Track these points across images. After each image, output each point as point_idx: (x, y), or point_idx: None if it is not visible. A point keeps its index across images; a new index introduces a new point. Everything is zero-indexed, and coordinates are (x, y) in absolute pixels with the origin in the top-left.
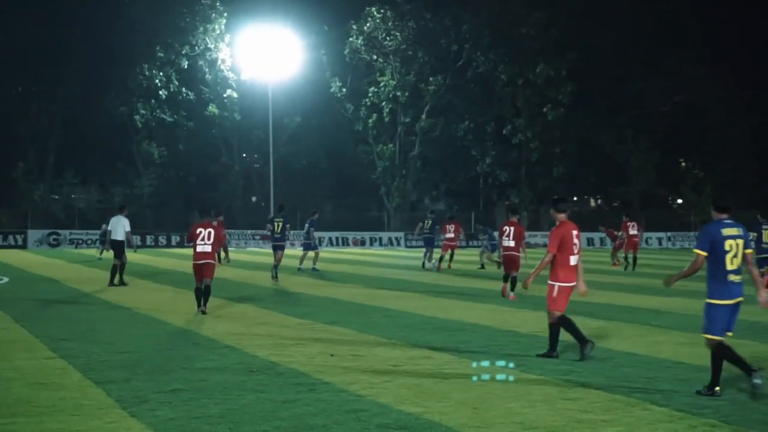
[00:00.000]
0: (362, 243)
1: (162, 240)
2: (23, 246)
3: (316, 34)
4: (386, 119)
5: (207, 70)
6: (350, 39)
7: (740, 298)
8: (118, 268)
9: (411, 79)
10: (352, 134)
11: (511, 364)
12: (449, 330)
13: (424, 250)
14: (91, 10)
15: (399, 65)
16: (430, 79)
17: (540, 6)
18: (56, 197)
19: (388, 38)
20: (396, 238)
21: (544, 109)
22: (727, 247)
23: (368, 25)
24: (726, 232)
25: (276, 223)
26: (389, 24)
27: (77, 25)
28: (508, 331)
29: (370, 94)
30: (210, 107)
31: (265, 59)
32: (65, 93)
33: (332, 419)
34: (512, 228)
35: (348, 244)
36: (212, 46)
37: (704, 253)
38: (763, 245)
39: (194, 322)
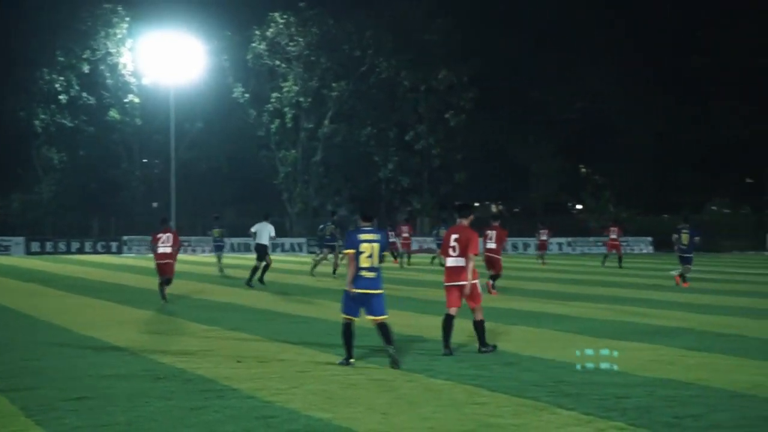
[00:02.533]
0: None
1: (62, 246)
2: None
3: (219, 40)
4: (289, 125)
5: (108, 74)
6: (253, 44)
7: (371, 290)
8: (261, 269)
9: (314, 85)
10: (255, 140)
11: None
12: (356, 336)
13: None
14: None
15: (302, 71)
16: (333, 84)
17: (443, 13)
18: None
19: (291, 44)
20: (298, 244)
21: (447, 116)
22: (362, 249)
23: (271, 30)
24: (363, 237)
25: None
26: (292, 29)
27: None
28: (414, 336)
29: (272, 100)
30: (111, 112)
31: (167, 64)
32: None
33: (241, 426)
34: (494, 232)
35: (250, 250)
36: (114, 51)
37: (352, 251)
38: (682, 246)
39: (98, 329)
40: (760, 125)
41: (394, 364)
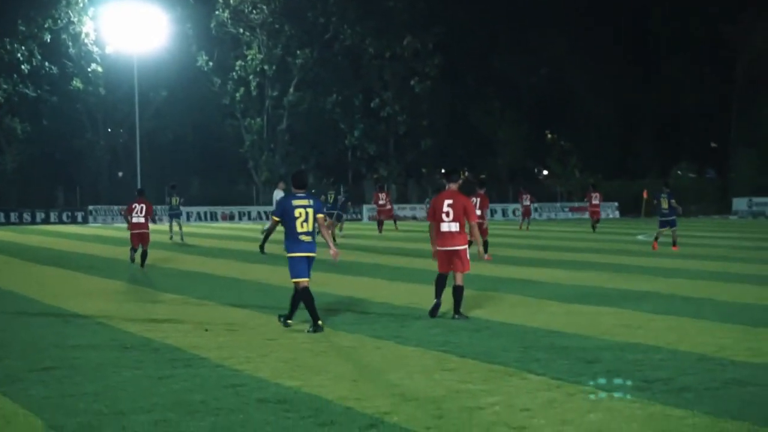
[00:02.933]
0: (231, 218)
1: (26, 217)
2: None
3: (182, 7)
4: (254, 93)
5: (71, 44)
6: (216, 12)
7: (311, 253)
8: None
9: (278, 53)
10: (220, 108)
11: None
12: (324, 304)
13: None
14: None
15: (266, 39)
16: (298, 52)
17: None
18: None
19: (254, 11)
20: (265, 212)
21: (412, 82)
22: (296, 214)
23: None
24: (296, 202)
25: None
26: None
27: None
28: (383, 303)
29: (237, 68)
30: (74, 82)
31: (130, 33)
32: None
33: (211, 395)
34: (478, 199)
35: (217, 219)
36: (75, 20)
37: (277, 219)
38: (663, 210)
39: (64, 299)
40: (723, 90)
41: (319, 328)
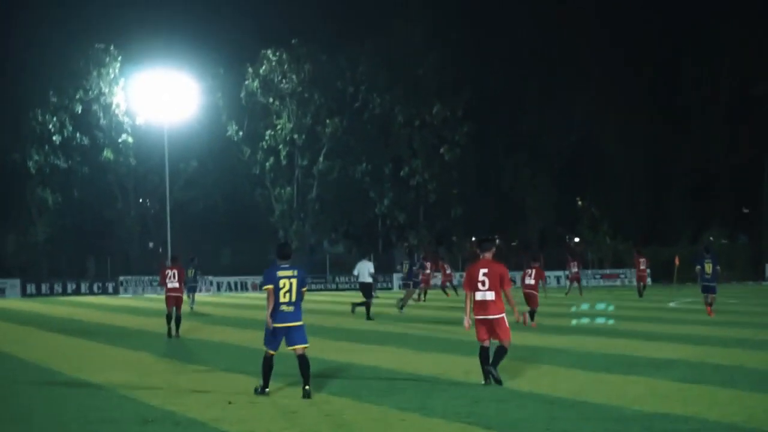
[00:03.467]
0: (261, 287)
1: (57, 288)
2: None
3: (212, 78)
4: (283, 162)
5: (101, 114)
6: (246, 82)
7: (292, 323)
8: (368, 306)
9: (308, 122)
10: (249, 178)
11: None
12: (348, 373)
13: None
14: None
15: (295, 107)
16: (327, 121)
17: (435, 46)
18: None
19: (284, 81)
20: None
21: (441, 150)
22: (281, 285)
23: (264, 67)
24: (281, 273)
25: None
26: (285, 66)
27: None
28: (409, 373)
29: (266, 137)
30: (105, 152)
31: (160, 103)
32: None
33: None
34: (534, 270)
35: (247, 289)
36: (106, 91)
37: (270, 287)
38: (706, 275)
39: (88, 371)
40: (755, 152)
41: (308, 394)
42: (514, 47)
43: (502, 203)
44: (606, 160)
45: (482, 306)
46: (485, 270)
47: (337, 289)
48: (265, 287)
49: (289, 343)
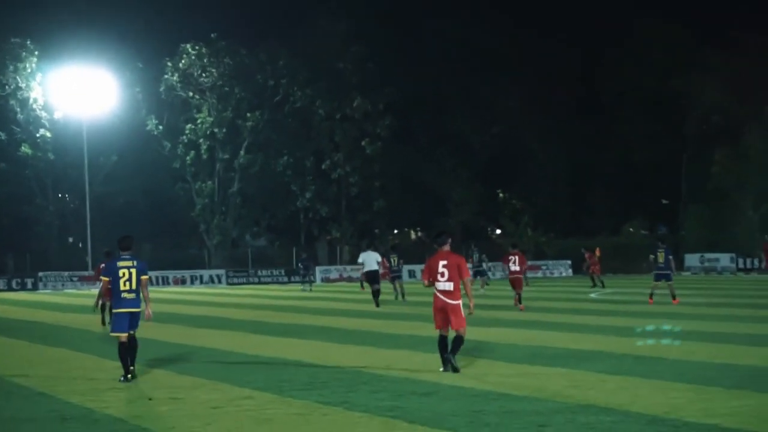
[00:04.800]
0: (183, 282)
1: None
2: None
3: (131, 72)
4: (204, 156)
5: (18, 109)
6: (165, 76)
7: (133, 309)
8: (376, 293)
9: (228, 116)
10: (170, 172)
11: None
12: (271, 368)
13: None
14: None
15: (216, 101)
16: (248, 114)
17: (356, 41)
18: None
19: (203, 75)
20: (217, 276)
21: (363, 143)
22: (120, 274)
23: (183, 62)
24: (120, 264)
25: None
26: (204, 60)
27: None
28: (331, 367)
29: (187, 131)
30: (23, 147)
31: (78, 98)
32: None
33: None
34: (517, 257)
35: (168, 283)
36: (23, 85)
37: (107, 279)
38: (659, 264)
39: (5, 368)
40: (672, 146)
41: (132, 375)
42: (436, 42)
43: (425, 196)
44: (528, 153)
45: (441, 296)
46: (444, 262)
47: (259, 283)
48: (102, 277)
49: (129, 327)
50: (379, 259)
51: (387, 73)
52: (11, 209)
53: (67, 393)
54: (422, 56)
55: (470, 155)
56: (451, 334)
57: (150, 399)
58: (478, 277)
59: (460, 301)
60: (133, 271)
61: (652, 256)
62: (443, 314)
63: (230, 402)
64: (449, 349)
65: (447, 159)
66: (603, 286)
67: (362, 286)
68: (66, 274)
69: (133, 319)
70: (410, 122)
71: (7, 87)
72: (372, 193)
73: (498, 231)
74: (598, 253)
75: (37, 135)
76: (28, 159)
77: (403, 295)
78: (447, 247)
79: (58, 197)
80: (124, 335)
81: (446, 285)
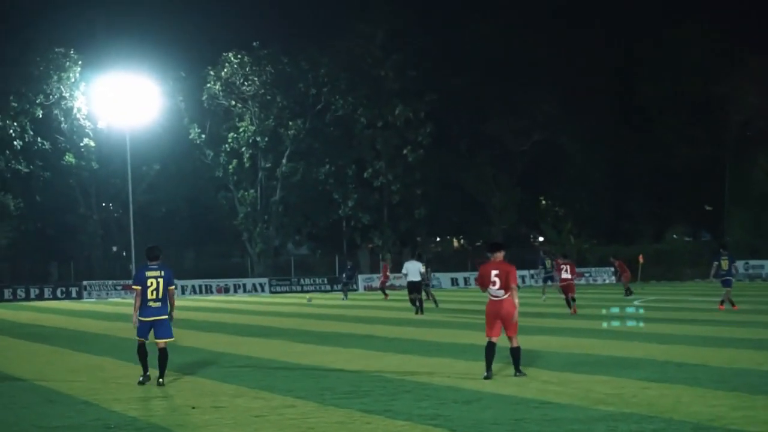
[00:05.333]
0: (226, 290)
1: (20, 293)
2: None
3: (174, 81)
4: (246, 165)
5: (62, 119)
6: (208, 85)
7: (157, 317)
8: (417, 300)
9: (270, 124)
10: (213, 180)
11: None
12: (314, 377)
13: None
14: None
15: (258, 110)
16: (290, 123)
17: (397, 48)
18: None
19: (245, 83)
20: (260, 284)
21: (404, 151)
22: (148, 283)
23: (225, 70)
24: (149, 273)
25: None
26: (246, 69)
27: None
28: (374, 375)
29: (229, 140)
30: (66, 156)
31: (122, 107)
32: None
33: None
34: (568, 266)
35: (212, 292)
36: (67, 95)
37: (138, 287)
38: (722, 271)
39: (50, 377)
40: (714, 151)
41: (160, 383)
42: (475, 49)
43: (466, 203)
44: (568, 160)
45: (494, 303)
46: (496, 271)
47: (302, 291)
48: (134, 287)
49: (156, 336)
50: (422, 269)
51: (427, 80)
52: (55, 218)
53: (111, 401)
54: (462, 63)
55: (510, 162)
56: (502, 343)
57: (193, 407)
58: (549, 282)
59: (514, 311)
60: (161, 280)
61: (716, 263)
62: (496, 321)
63: (273, 410)
64: (514, 365)
65: (487, 166)
66: (630, 294)
67: (385, 294)
68: (110, 282)
69: (160, 327)
70: (450, 129)
71: (51, 97)
72: (413, 201)
73: (540, 238)
74: (641, 260)
75: (81, 144)
76: (71, 168)
77: (435, 303)
78: (500, 256)
79: (102, 206)
80: (142, 340)
81: (499, 292)
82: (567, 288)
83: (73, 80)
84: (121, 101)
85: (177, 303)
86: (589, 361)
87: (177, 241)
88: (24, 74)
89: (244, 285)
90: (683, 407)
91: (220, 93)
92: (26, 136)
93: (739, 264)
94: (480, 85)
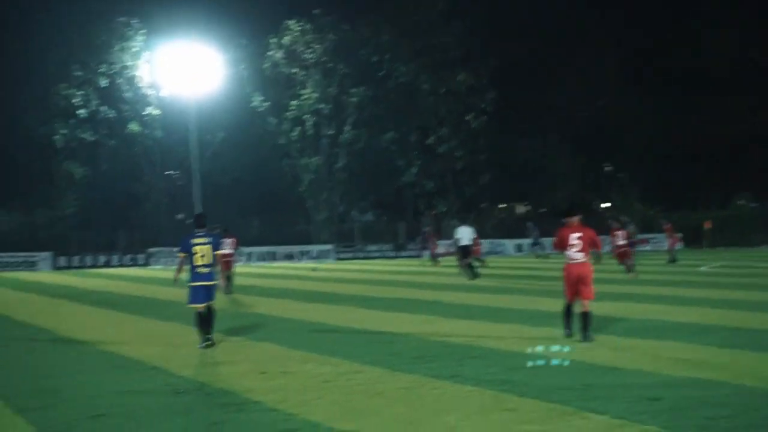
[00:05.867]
0: (290, 257)
1: (88, 260)
2: None
3: (236, 49)
4: (309, 132)
5: (126, 87)
6: (270, 53)
7: (207, 282)
8: (466, 264)
9: (333, 91)
10: (276, 148)
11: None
12: (381, 342)
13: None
14: (1, 28)
15: (320, 78)
16: (352, 90)
17: (459, 14)
18: None
19: (307, 51)
20: (325, 251)
21: (467, 118)
22: (196, 250)
23: (287, 38)
24: (195, 241)
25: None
26: (308, 37)
27: None
28: (441, 341)
29: (292, 108)
30: (131, 125)
31: (185, 75)
32: None
33: None
34: (622, 232)
35: (276, 259)
36: (131, 64)
37: (183, 254)
38: None
39: (120, 343)
40: None
41: (211, 343)
42: (538, 14)
43: (529, 169)
44: (632, 125)
45: (573, 266)
46: (578, 234)
47: (366, 258)
48: (180, 254)
49: (205, 299)
50: (474, 234)
51: (489, 47)
52: (121, 186)
53: (180, 367)
54: (524, 28)
55: (574, 128)
56: (578, 308)
57: (262, 373)
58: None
59: (590, 274)
60: (208, 247)
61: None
62: (575, 284)
63: (340, 376)
64: (583, 330)
65: (551, 132)
66: (673, 262)
67: (435, 262)
68: (175, 249)
69: (209, 292)
70: (513, 95)
71: (114, 66)
72: (477, 167)
73: (604, 205)
74: (709, 225)
75: (145, 113)
76: (136, 136)
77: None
78: (577, 220)
79: (166, 174)
80: (200, 306)
81: (578, 255)
82: (623, 255)
83: (136, 49)
84: (184, 70)
85: (242, 270)
86: (657, 326)
87: (242, 209)
88: (88, 44)
89: (309, 252)
90: (754, 372)
91: (282, 61)
92: (91, 105)
93: None
94: (543, 50)
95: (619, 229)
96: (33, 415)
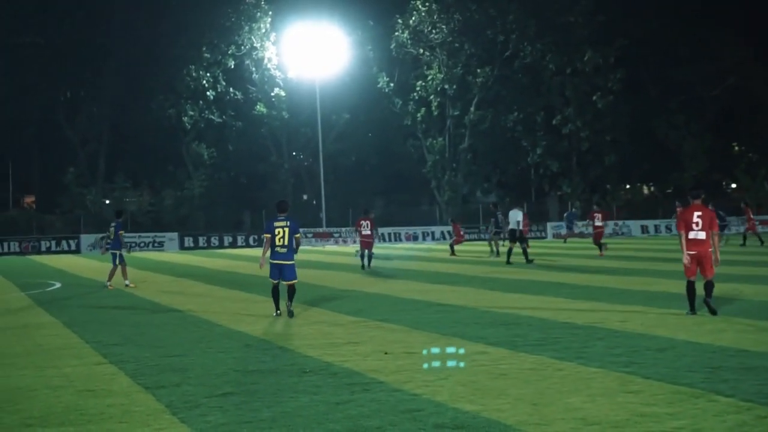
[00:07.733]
0: (415, 238)
1: (214, 241)
2: (77, 251)
3: (362, 30)
4: (435, 113)
5: (254, 69)
6: (396, 33)
7: (284, 261)
8: (512, 250)
9: (458, 72)
10: (401, 129)
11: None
12: (504, 324)
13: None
14: (132, 12)
15: (446, 58)
16: (478, 70)
17: None
18: (108, 201)
19: (434, 31)
20: (448, 232)
21: (594, 98)
22: (276, 232)
23: (413, 18)
24: (276, 224)
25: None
26: (434, 17)
27: (119, 28)
28: (564, 323)
29: (417, 88)
30: (258, 106)
31: (311, 57)
32: (112, 97)
33: (387, 420)
34: (598, 214)
35: (401, 240)
36: (258, 45)
37: (268, 235)
38: None
39: (245, 323)
40: None
41: (290, 314)
42: None
43: (656, 150)
44: (762, 104)
45: (695, 243)
46: (699, 213)
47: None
48: (264, 235)
49: (283, 279)
50: (520, 218)
51: (616, 26)
52: (247, 167)
53: (305, 347)
54: (651, 7)
55: (701, 108)
56: (701, 283)
57: (386, 353)
58: (724, 232)
59: (711, 252)
60: (287, 230)
61: None
62: (697, 262)
63: (464, 357)
64: (705, 294)
65: (678, 111)
66: (743, 245)
67: (493, 250)
68: (301, 230)
69: (286, 270)
70: (640, 74)
71: (242, 47)
72: (603, 148)
73: (733, 185)
74: None
75: (272, 94)
76: (263, 118)
77: (496, 252)
78: (699, 201)
79: (292, 155)
80: (275, 282)
81: (700, 234)
82: (596, 236)
83: (263, 31)
84: (310, 51)
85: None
86: None
87: (366, 190)
88: (216, 25)
89: (433, 233)
90: None
91: (408, 41)
92: (219, 86)
93: None
94: (670, 29)
95: (598, 212)
96: (161, 393)
